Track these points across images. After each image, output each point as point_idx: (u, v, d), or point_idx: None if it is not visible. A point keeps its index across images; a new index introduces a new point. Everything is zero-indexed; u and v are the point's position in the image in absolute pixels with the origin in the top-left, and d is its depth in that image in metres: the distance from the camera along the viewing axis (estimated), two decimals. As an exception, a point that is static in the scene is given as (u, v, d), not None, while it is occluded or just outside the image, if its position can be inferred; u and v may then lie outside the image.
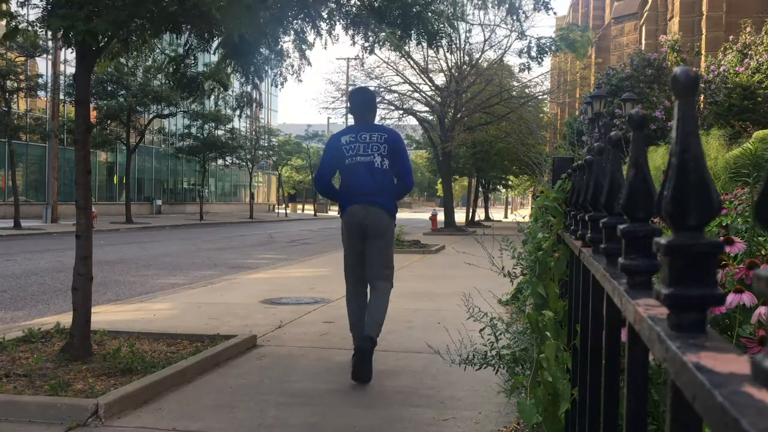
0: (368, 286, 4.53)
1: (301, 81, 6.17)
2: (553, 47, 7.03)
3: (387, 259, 4.54)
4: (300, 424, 3.42)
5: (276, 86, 6.14)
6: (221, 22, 4.07)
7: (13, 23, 4.43)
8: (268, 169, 56.78)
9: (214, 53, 5.44)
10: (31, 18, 4.44)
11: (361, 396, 3.81)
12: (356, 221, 4.42)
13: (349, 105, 5.09)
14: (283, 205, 49.19)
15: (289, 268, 11.45)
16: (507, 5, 5.85)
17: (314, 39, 5.51)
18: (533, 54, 6.80)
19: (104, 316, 6.24)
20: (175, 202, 46.25)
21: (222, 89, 5.77)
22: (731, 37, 20.13)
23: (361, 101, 4.73)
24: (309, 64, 5.86)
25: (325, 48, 6.05)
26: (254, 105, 6.53)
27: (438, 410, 3.64)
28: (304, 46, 5.53)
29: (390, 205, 4.52)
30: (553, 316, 2.16)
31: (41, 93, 25.92)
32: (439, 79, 25.03)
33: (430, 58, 24.03)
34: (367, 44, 5.70)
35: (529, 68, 7.67)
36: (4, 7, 4.76)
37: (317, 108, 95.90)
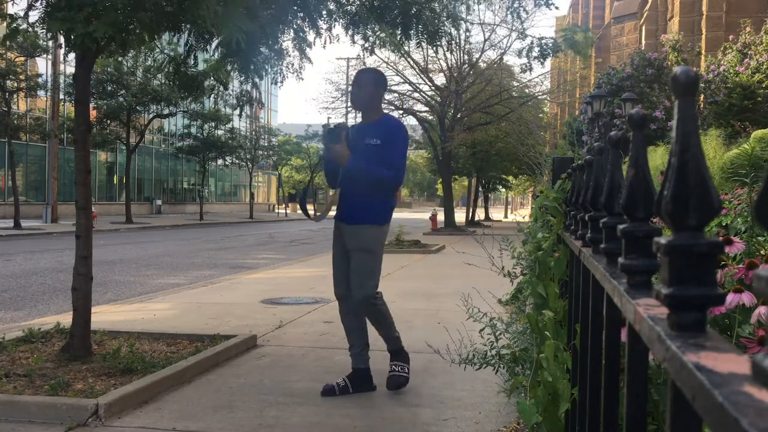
0: None
1: (302, 79, 6.16)
2: (555, 49, 6.99)
3: None
4: (300, 424, 3.42)
5: (276, 84, 6.14)
6: (220, 31, 4.07)
7: (14, 25, 4.43)
8: (268, 169, 56.75)
9: (214, 53, 5.43)
10: (31, 19, 4.44)
11: (361, 396, 3.81)
12: None
13: None
14: (283, 205, 49.16)
15: (289, 268, 11.45)
16: (507, 3, 5.85)
17: (314, 38, 5.51)
18: (535, 54, 6.78)
19: (104, 316, 6.24)
20: (175, 202, 46.24)
21: (222, 88, 5.76)
22: (731, 37, 20.12)
23: None
24: (310, 62, 5.85)
25: (324, 47, 6.06)
26: (254, 104, 6.53)
27: (438, 410, 3.64)
28: (304, 45, 5.53)
29: None
30: (553, 316, 2.16)
31: (41, 93, 25.93)
32: (439, 79, 25.05)
33: (429, 58, 24.05)
34: (367, 44, 5.71)
35: (530, 69, 7.65)
36: (3, 8, 4.76)
37: (317, 108, 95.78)
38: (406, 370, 4.06)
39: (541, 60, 7.04)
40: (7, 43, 4.38)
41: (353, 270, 3.97)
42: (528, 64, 7.18)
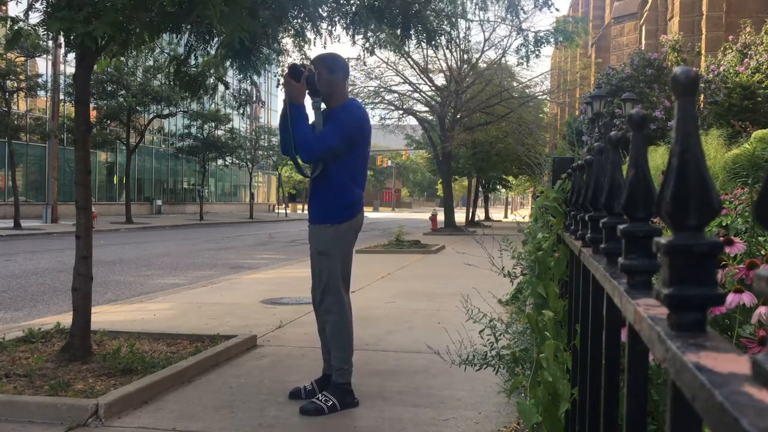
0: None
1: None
2: (550, 38, 7.04)
3: None
4: (300, 423, 3.42)
5: (278, 87, 6.14)
6: (224, 31, 4.07)
7: (16, 27, 4.43)
8: (268, 169, 56.74)
9: (216, 54, 5.43)
10: (32, 21, 4.44)
11: (361, 396, 3.81)
12: (360, 225, 3.92)
13: None
14: (283, 205, 49.16)
15: (289, 267, 11.45)
16: (506, 2, 5.85)
17: (314, 38, 5.50)
18: (531, 48, 6.80)
19: (104, 316, 6.24)
20: (175, 202, 46.24)
21: (223, 87, 5.76)
22: (731, 37, 20.13)
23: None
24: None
25: (324, 47, 6.08)
26: (254, 103, 6.55)
27: (438, 410, 3.64)
28: (303, 45, 5.53)
29: None
30: (553, 316, 2.16)
31: (41, 93, 25.93)
32: (439, 79, 25.03)
33: (429, 58, 24.03)
34: (367, 44, 5.70)
35: (527, 61, 7.63)
36: (3, 8, 4.75)
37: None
38: (330, 404, 3.57)
39: (537, 52, 7.03)
40: (13, 46, 4.37)
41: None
42: (525, 57, 7.17)
